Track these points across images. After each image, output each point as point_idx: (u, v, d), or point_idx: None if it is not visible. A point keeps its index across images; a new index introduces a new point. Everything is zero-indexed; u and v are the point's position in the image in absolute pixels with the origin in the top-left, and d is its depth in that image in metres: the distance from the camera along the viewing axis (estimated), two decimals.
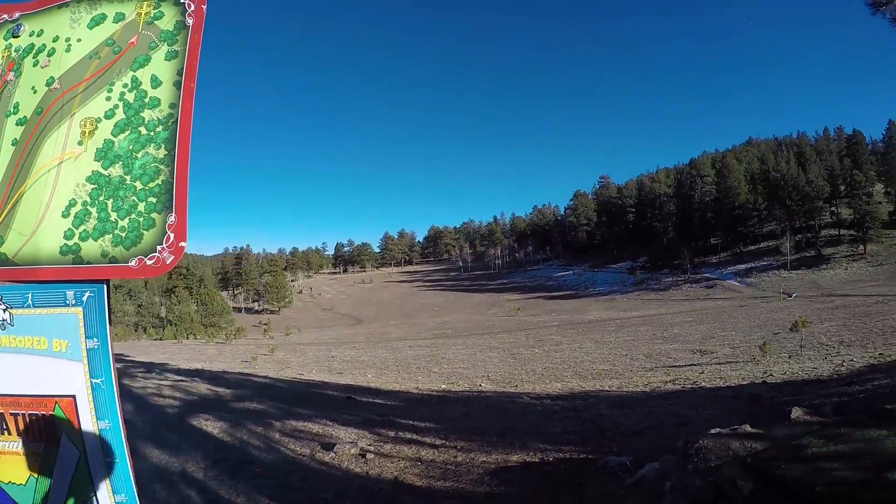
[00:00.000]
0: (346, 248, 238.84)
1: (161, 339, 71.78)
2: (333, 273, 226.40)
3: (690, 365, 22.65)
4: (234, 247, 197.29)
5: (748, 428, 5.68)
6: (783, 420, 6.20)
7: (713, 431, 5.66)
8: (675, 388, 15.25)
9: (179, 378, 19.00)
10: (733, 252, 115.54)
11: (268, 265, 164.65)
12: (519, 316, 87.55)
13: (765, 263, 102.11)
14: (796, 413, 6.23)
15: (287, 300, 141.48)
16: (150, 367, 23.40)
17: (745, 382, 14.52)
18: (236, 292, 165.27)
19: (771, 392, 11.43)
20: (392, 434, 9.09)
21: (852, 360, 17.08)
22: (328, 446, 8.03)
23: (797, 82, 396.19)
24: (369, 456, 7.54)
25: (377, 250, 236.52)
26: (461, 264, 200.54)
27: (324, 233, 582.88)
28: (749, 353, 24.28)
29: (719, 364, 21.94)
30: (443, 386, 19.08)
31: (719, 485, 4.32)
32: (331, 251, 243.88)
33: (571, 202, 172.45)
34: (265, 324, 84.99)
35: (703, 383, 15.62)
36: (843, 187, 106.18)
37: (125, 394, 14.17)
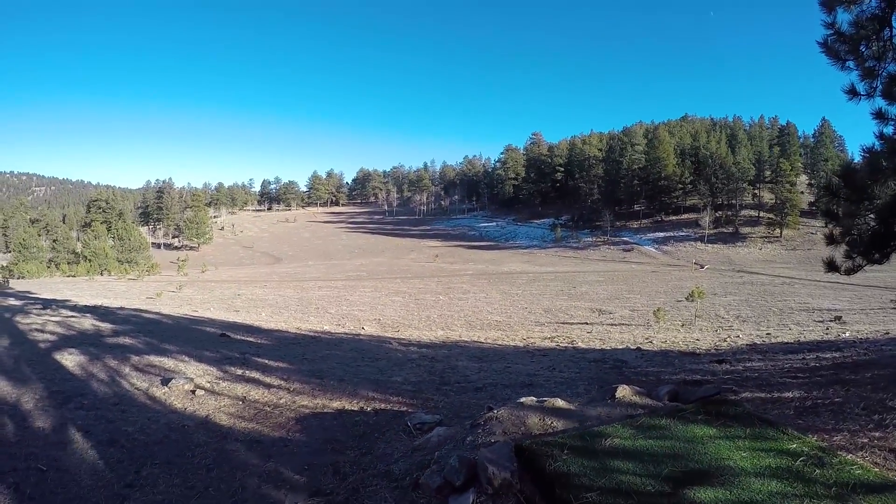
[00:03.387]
0: (272, 186, 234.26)
1: (74, 276, 69.30)
2: (258, 211, 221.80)
3: (583, 323, 23.33)
4: (157, 180, 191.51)
5: (559, 402, 5.39)
6: (607, 398, 5.67)
7: (521, 400, 5.52)
8: (550, 345, 15.80)
9: (70, 314, 18.70)
10: (654, 220, 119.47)
11: (190, 200, 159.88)
12: (436, 263, 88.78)
13: (683, 234, 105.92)
14: (622, 392, 5.63)
15: (207, 237, 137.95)
16: (47, 304, 22.93)
17: (620, 347, 14.96)
18: (157, 227, 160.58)
19: (639, 361, 11.82)
20: (239, 372, 9.49)
21: (738, 336, 17.79)
22: (166, 381, 8.35)
23: (744, 69, 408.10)
24: (199, 392, 7.93)
25: (304, 189, 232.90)
26: (387, 208, 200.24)
27: (251, 168, 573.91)
28: (645, 317, 25.16)
29: (612, 325, 22.63)
30: (326, 327, 19.51)
31: (474, 468, 3.98)
32: (257, 188, 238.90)
33: (502, 155, 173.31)
34: (183, 260, 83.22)
35: (579, 343, 16.17)
36: (768, 173, 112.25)
37: (11, 330, 14.14)
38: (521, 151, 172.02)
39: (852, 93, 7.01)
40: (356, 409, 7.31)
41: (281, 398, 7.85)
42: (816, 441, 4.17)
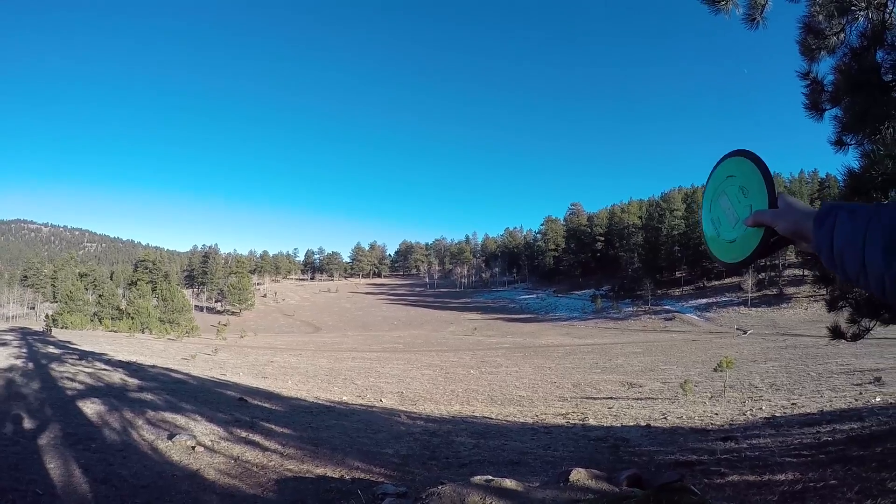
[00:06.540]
0: (316, 256, 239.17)
1: (116, 332, 71.05)
2: (301, 280, 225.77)
3: (608, 398, 22.59)
4: (204, 245, 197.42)
5: (507, 482, 5.47)
6: (561, 481, 5.64)
7: (472, 479, 5.72)
8: (561, 422, 15.49)
9: (103, 367, 19.43)
10: (696, 286, 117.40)
11: (235, 266, 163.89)
12: (474, 336, 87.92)
13: (726, 299, 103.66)
14: (576, 475, 5.61)
15: (249, 303, 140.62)
16: (84, 355, 23.87)
17: (630, 424, 14.54)
18: (201, 291, 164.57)
19: (641, 439, 11.55)
20: (243, 434, 9.82)
21: (761, 408, 16.76)
22: (172, 436, 8.76)
23: (777, 122, 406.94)
24: (198, 449, 8.31)
25: (347, 260, 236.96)
26: (428, 280, 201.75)
27: (296, 238, 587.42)
28: (675, 390, 23.90)
29: (638, 399, 21.74)
30: (344, 398, 19.70)
31: None
32: (301, 257, 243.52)
33: (542, 227, 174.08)
34: (223, 325, 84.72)
35: (591, 420, 15.72)
36: None
37: (44, 376, 15.00)
38: (561, 222, 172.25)
39: (839, 143, 6.27)
40: (336, 476, 7.52)
41: (271, 461, 8.14)
42: None
